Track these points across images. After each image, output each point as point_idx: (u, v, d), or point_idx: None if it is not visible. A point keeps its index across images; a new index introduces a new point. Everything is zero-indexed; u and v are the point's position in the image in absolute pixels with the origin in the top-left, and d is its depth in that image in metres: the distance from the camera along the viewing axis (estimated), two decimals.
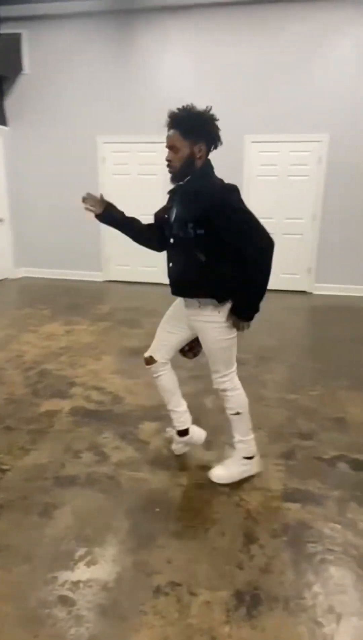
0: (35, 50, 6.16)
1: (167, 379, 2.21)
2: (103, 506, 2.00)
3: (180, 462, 2.33)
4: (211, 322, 1.95)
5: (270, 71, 5.56)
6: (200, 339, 2.05)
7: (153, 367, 2.18)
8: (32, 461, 2.32)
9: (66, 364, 3.58)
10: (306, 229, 5.91)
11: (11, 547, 1.77)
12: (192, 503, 2.03)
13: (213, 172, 1.87)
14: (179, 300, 2.06)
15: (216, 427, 2.64)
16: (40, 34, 6.09)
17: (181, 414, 2.24)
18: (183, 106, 1.79)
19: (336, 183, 5.69)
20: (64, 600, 1.55)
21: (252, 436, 2.15)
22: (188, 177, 1.83)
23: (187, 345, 2.18)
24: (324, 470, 2.27)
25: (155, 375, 2.20)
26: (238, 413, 2.09)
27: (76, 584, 1.61)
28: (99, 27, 5.89)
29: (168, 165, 1.81)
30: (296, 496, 2.07)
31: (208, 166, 1.85)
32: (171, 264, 1.97)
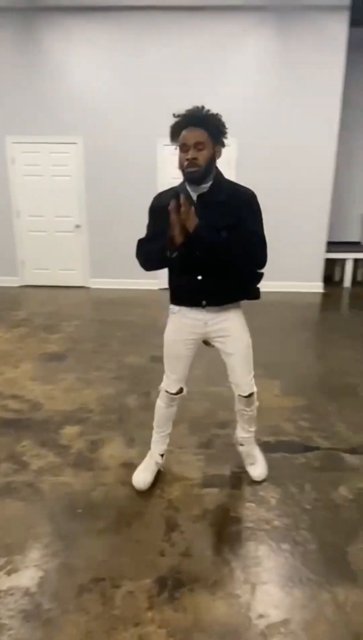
0: None
1: (176, 408, 2.15)
2: (23, 514, 1.97)
3: (103, 463, 2.34)
4: (240, 318, 1.97)
5: (179, 75, 5.71)
6: (228, 343, 1.95)
7: (179, 397, 2.09)
8: None
9: None
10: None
11: None
12: (115, 501, 2.06)
13: None
14: (180, 316, 1.93)
15: (138, 424, 2.70)
16: None
17: (167, 437, 2.21)
18: (198, 107, 1.72)
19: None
20: None
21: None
22: (211, 182, 1.74)
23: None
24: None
25: (174, 403, 2.11)
26: (254, 413, 2.15)
27: None
28: (1, 25, 5.67)
29: (192, 165, 1.65)
30: (214, 482, 2.19)
31: (221, 172, 1.79)
32: (199, 277, 1.80)
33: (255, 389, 2.09)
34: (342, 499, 2.08)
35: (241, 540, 1.84)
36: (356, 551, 1.78)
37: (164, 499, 2.07)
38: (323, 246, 6.25)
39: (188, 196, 1.72)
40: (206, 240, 1.69)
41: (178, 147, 1.71)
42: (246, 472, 2.25)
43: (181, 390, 2.07)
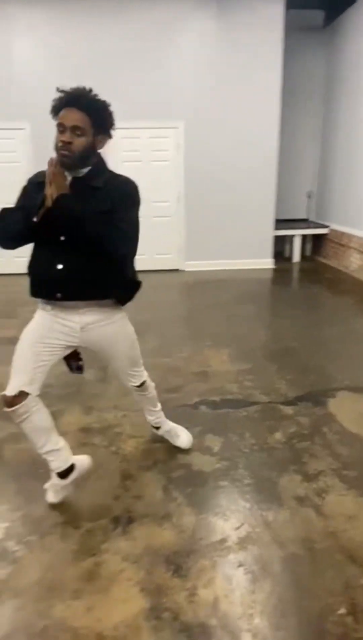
0: None
1: (41, 415, 1.75)
2: None
3: (61, 429, 2.51)
4: (122, 320, 1.84)
5: (122, 58, 5.77)
6: (109, 346, 1.83)
7: (22, 406, 1.66)
8: None
9: None
10: (172, 211, 6.34)
11: None
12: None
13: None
14: (49, 315, 1.72)
15: (94, 395, 2.89)
16: None
17: (62, 450, 1.84)
18: (85, 88, 1.59)
19: (194, 166, 6.18)
20: None
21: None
22: (88, 168, 1.62)
23: (72, 361, 1.90)
24: (189, 413, 2.66)
25: (25, 415, 1.68)
26: (154, 393, 2.17)
27: None
28: None
29: (64, 148, 1.53)
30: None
31: (104, 160, 1.70)
32: (59, 266, 1.61)
33: (144, 377, 2.04)
34: (276, 442, 2.37)
35: (188, 480, 2.08)
36: (285, 482, 2.06)
37: (119, 454, 2.29)
38: (271, 224, 6.55)
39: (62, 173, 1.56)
40: (70, 212, 1.53)
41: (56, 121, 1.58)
42: (194, 427, 2.49)
43: (22, 395, 1.65)
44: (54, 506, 1.94)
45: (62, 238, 1.62)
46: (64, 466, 1.85)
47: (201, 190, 6.29)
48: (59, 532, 1.80)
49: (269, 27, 5.76)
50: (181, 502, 1.95)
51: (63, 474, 1.86)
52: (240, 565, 1.64)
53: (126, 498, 1.98)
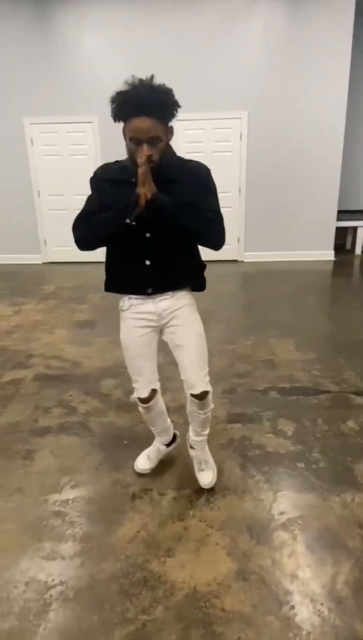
0: None
1: (160, 402, 1.99)
2: (78, 445, 2.33)
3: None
4: (191, 306, 1.79)
5: (187, 51, 5.84)
6: (178, 333, 1.76)
7: (154, 401, 1.92)
8: (7, 420, 2.58)
9: (20, 340, 3.79)
10: (234, 202, 6.38)
11: (3, 485, 2.06)
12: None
13: None
14: (131, 311, 1.76)
15: (168, 377, 3.03)
16: None
17: (170, 425, 2.13)
18: (146, 83, 1.46)
19: (256, 157, 6.18)
20: (57, 514, 1.88)
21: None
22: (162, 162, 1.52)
23: None
24: (258, 398, 2.75)
25: (153, 406, 1.92)
26: (209, 415, 1.92)
27: (65, 502, 1.95)
28: (15, 7, 5.82)
29: (148, 160, 1.45)
30: (238, 419, 2.53)
31: (171, 147, 1.60)
32: (147, 262, 1.65)
33: (209, 389, 1.81)
34: (349, 429, 2.41)
35: (264, 460, 2.18)
36: (361, 468, 2.11)
37: None
38: (334, 215, 6.43)
39: (132, 175, 1.52)
40: (164, 209, 1.51)
41: (123, 127, 1.48)
42: (266, 412, 2.58)
43: (153, 394, 1.87)
44: (140, 475, 2.10)
45: (147, 235, 1.62)
46: (170, 438, 2.17)
47: (263, 180, 6.28)
48: (148, 497, 1.96)
49: (339, 13, 5.61)
50: (259, 479, 2.06)
51: (168, 444, 2.17)
52: (322, 539, 1.72)
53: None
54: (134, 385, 1.91)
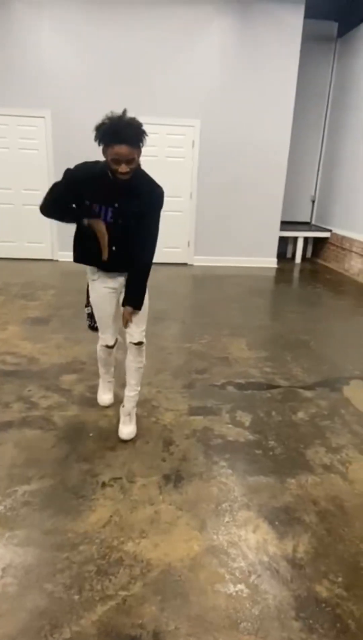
0: None
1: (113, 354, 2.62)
2: (43, 438, 2.34)
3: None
4: None
5: (144, 57, 5.95)
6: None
7: (114, 347, 2.55)
8: None
9: None
10: (185, 206, 6.56)
11: None
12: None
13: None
14: (100, 282, 2.26)
15: None
16: None
17: (111, 375, 2.75)
18: (121, 117, 1.86)
19: (207, 164, 6.41)
20: (28, 503, 1.89)
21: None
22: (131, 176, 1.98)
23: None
24: (217, 392, 2.90)
25: (113, 350, 2.59)
26: (143, 365, 2.42)
27: (35, 492, 1.96)
28: None
29: (124, 174, 1.94)
30: (199, 411, 2.66)
31: (140, 165, 2.05)
32: (113, 247, 2.13)
33: (144, 340, 2.35)
34: (300, 419, 2.62)
35: (225, 448, 2.32)
36: (312, 453, 2.32)
37: (159, 424, 2.51)
38: (277, 225, 6.82)
39: (109, 177, 1.99)
40: (117, 219, 2.07)
41: (104, 149, 1.91)
42: (225, 404, 2.74)
43: (116, 342, 2.52)
44: (109, 465, 2.15)
45: (113, 248, 2.15)
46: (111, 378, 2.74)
47: (213, 187, 6.52)
48: (118, 485, 2.02)
49: (288, 34, 6.01)
50: (222, 465, 2.19)
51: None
52: (281, 516, 1.89)
53: (172, 460, 2.21)
54: (102, 336, 2.48)
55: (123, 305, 2.24)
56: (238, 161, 6.45)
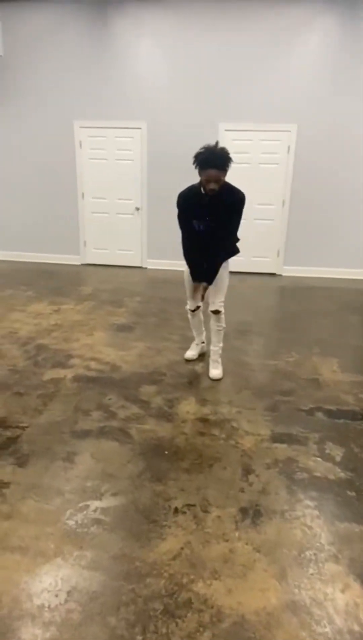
0: (10, 33, 6.14)
1: (201, 315, 3.29)
2: (118, 451, 2.29)
3: (181, 416, 2.63)
4: (226, 268, 2.96)
5: (239, 62, 5.83)
6: (217, 278, 2.91)
7: (199, 310, 3.21)
8: (47, 419, 2.56)
9: (60, 339, 3.79)
10: (277, 214, 6.30)
11: (44, 486, 2.02)
12: (195, 446, 2.34)
13: None
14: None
15: (207, 388, 2.97)
16: (15, 17, 6.07)
17: (202, 333, 3.43)
18: (214, 148, 2.48)
19: (303, 171, 6.10)
20: (99, 522, 1.83)
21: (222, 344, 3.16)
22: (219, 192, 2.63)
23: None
24: (304, 418, 2.65)
25: (195, 314, 3.25)
26: (223, 328, 3.08)
27: (106, 509, 1.90)
28: (74, 12, 5.95)
29: (212, 190, 2.56)
30: (283, 438, 2.43)
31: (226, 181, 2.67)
32: (205, 265, 2.88)
33: (221, 310, 2.99)
34: None
35: (312, 485, 2.07)
36: None
37: (239, 449, 2.34)
38: None
39: (202, 196, 2.65)
40: (213, 225, 2.75)
41: (200, 171, 2.55)
42: (312, 433, 2.48)
43: (198, 307, 3.15)
44: (183, 489, 2.03)
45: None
46: (203, 339, 3.46)
47: (308, 194, 6.18)
48: (191, 513, 1.89)
49: None
50: (307, 504, 1.96)
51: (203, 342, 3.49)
52: None
53: (251, 492, 2.02)
54: (188, 302, 3.17)
55: (201, 280, 2.91)
56: (337, 165, 6.04)
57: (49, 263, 6.79)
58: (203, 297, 2.96)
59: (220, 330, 3.06)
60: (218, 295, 2.95)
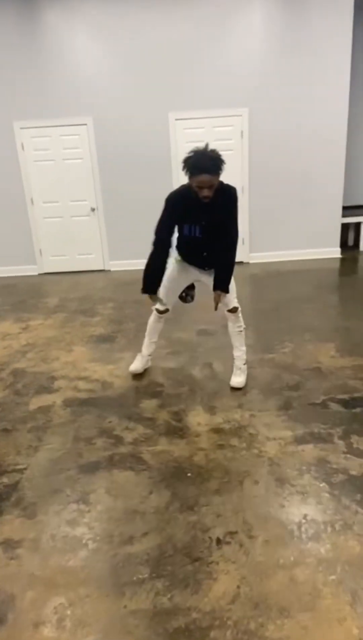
0: None
1: (163, 322, 2.99)
2: (136, 482, 2.05)
3: (193, 430, 2.43)
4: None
5: (184, 48, 5.61)
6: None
7: (164, 315, 2.92)
8: (46, 456, 2.27)
9: (37, 360, 3.47)
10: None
11: (65, 538, 1.76)
12: (218, 462, 2.15)
13: None
14: (183, 264, 2.73)
15: (212, 394, 2.79)
16: None
17: (154, 344, 3.08)
18: (204, 150, 2.24)
19: (258, 155, 5.99)
20: (136, 572, 1.60)
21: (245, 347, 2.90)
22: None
23: (184, 292, 2.85)
24: (320, 413, 2.52)
25: (161, 318, 2.94)
26: (243, 329, 2.83)
27: (139, 556, 1.67)
28: (3, 6, 5.48)
29: (206, 198, 2.31)
30: (307, 438, 2.29)
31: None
32: (205, 254, 2.60)
33: (238, 306, 2.76)
34: None
35: (353, 486, 1.94)
36: None
37: (264, 457, 2.17)
38: (339, 211, 6.29)
39: (196, 199, 2.35)
40: (206, 227, 2.49)
41: (190, 177, 2.29)
42: (334, 428, 2.36)
43: (166, 310, 2.87)
44: (219, 514, 1.83)
45: (204, 254, 2.65)
46: (151, 353, 3.12)
47: (266, 179, 6.10)
48: (237, 542, 1.70)
49: (339, 6, 5.48)
50: (355, 509, 1.82)
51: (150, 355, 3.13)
52: None
53: (292, 505, 1.86)
54: (161, 303, 2.77)
55: (214, 289, 2.58)
56: (292, 147, 5.98)
57: (4, 277, 6.33)
58: (216, 308, 2.63)
59: (241, 331, 2.82)
60: (231, 294, 2.71)
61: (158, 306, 2.83)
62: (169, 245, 2.53)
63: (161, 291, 2.70)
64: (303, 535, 1.71)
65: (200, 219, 2.46)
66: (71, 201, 6.15)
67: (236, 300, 2.75)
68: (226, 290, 2.61)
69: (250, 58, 5.67)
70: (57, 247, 6.37)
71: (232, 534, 1.74)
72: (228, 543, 1.70)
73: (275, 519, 1.80)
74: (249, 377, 2.97)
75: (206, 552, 1.67)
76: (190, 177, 2.29)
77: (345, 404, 2.59)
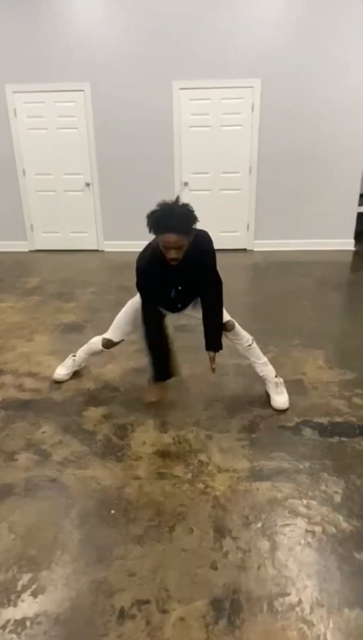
0: None
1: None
2: (48, 517, 1.70)
3: (134, 451, 2.06)
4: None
5: (192, 10, 5.04)
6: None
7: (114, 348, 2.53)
8: None
9: None
10: (244, 183, 5.65)
11: None
12: (152, 497, 1.78)
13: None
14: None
15: (169, 405, 2.40)
16: None
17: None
18: (172, 205, 1.84)
19: (270, 132, 5.43)
20: None
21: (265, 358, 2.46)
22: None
23: None
24: (290, 439, 2.11)
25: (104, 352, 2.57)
26: (252, 340, 2.41)
27: (21, 622, 1.32)
28: None
29: (174, 260, 1.92)
30: (265, 473, 1.89)
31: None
32: (179, 305, 2.28)
33: (230, 319, 2.39)
34: None
35: (306, 548, 1.54)
36: None
37: (209, 495, 1.79)
38: (355, 199, 5.71)
39: (163, 261, 1.97)
40: (183, 287, 2.18)
41: (155, 235, 1.92)
42: (302, 461, 1.95)
43: (117, 344, 2.49)
44: (133, 573, 1.47)
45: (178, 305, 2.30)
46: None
47: (277, 159, 5.54)
48: (143, 617, 1.33)
49: None
50: (303, 583, 1.43)
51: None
52: None
53: (226, 568, 1.48)
54: (118, 332, 2.45)
55: (207, 349, 2.22)
56: (307, 125, 5.39)
57: None
58: (213, 369, 2.23)
59: (250, 345, 2.38)
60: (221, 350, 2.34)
61: (108, 334, 2.46)
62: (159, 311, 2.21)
63: (121, 318, 2.42)
64: (230, 617, 1.33)
65: (176, 283, 2.13)
66: (64, 174, 5.73)
67: (228, 315, 2.37)
68: (220, 348, 2.24)
69: (264, 23, 5.05)
70: (49, 223, 5.99)
71: (142, 603, 1.37)
72: (133, 617, 1.33)
73: (200, 587, 1.42)
74: (216, 386, 2.58)
75: (101, 628, 1.31)
76: (156, 236, 1.93)
77: (322, 430, 2.17)
